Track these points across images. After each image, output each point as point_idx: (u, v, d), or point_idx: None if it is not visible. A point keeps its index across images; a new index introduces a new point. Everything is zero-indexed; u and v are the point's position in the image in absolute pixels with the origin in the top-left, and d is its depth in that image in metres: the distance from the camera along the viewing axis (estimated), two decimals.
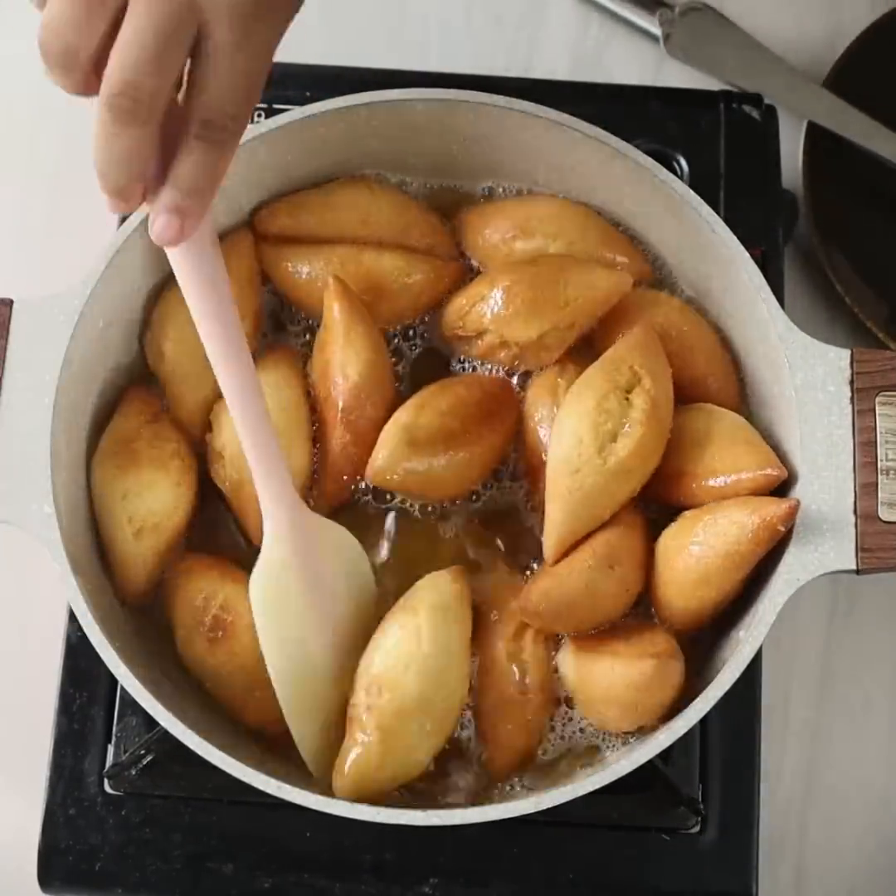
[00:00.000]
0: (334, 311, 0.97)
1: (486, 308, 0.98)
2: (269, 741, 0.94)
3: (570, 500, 0.92)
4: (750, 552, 0.89)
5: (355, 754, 0.89)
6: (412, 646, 0.90)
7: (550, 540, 0.93)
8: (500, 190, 1.05)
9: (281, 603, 0.91)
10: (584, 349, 1.00)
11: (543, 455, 0.96)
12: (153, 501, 0.94)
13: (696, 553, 0.91)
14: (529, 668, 0.93)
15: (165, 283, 1.00)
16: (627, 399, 0.92)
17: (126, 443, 0.96)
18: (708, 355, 0.99)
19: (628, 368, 0.93)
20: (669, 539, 0.94)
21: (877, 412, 0.91)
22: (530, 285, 0.97)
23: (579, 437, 0.91)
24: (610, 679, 0.92)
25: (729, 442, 0.94)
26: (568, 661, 0.95)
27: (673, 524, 0.94)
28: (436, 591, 0.92)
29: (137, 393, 0.99)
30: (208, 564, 0.96)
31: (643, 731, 0.93)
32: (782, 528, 0.89)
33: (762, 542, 0.89)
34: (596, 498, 0.92)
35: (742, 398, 1.00)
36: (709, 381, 0.98)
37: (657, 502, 0.97)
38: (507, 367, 1.00)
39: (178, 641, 0.95)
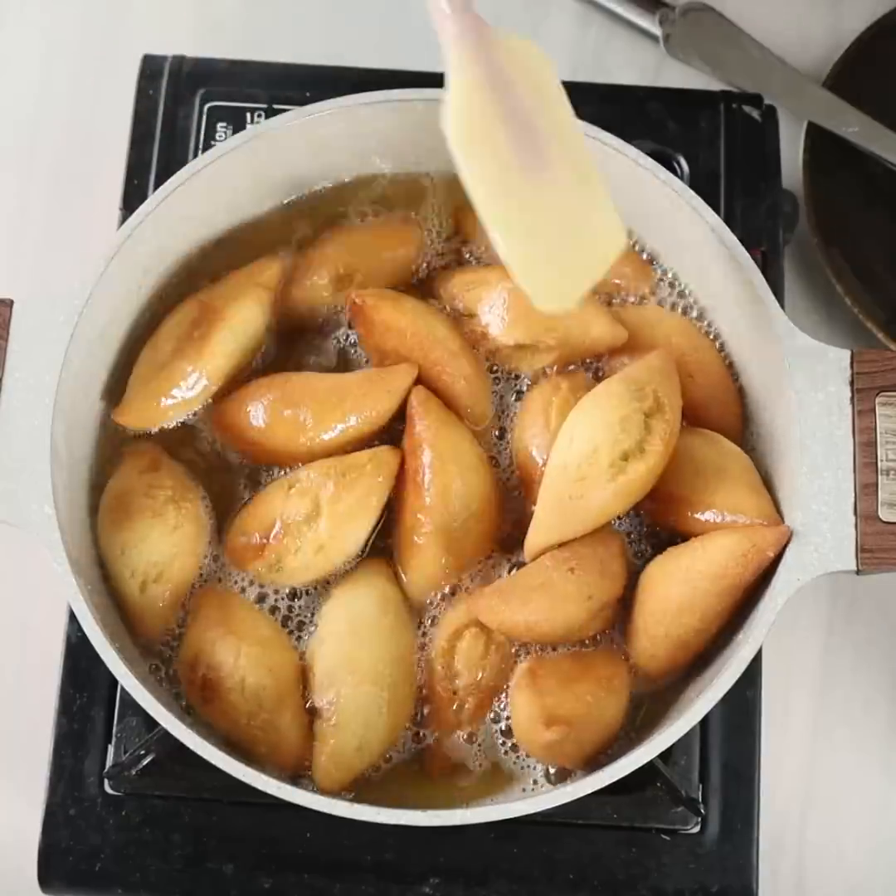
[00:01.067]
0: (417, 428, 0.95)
1: (484, 296, 0.98)
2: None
3: (567, 505, 0.91)
4: (737, 576, 0.89)
5: (319, 743, 0.91)
6: (330, 625, 0.93)
7: (535, 539, 0.93)
8: None
9: (480, 131, 0.84)
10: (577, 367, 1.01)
11: (535, 470, 0.95)
12: (150, 552, 0.94)
13: (680, 578, 0.91)
14: (461, 667, 0.93)
15: (166, 288, 1.00)
16: (646, 423, 0.91)
17: (121, 497, 0.95)
18: (709, 379, 0.98)
19: (653, 392, 0.92)
20: (655, 567, 0.93)
21: (877, 412, 0.91)
22: None
23: (595, 446, 0.91)
24: (523, 720, 0.92)
25: (735, 482, 0.93)
26: (513, 684, 0.94)
27: (659, 556, 0.94)
28: (347, 577, 0.95)
29: (134, 447, 0.98)
30: (215, 605, 0.94)
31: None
32: (771, 555, 0.89)
33: (750, 566, 0.89)
34: (590, 510, 0.92)
35: (742, 407, 1.00)
36: (711, 406, 0.98)
37: (647, 522, 0.97)
38: (483, 355, 1.01)
39: (183, 691, 0.94)
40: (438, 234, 1.04)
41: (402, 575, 0.96)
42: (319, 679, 0.92)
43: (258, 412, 0.96)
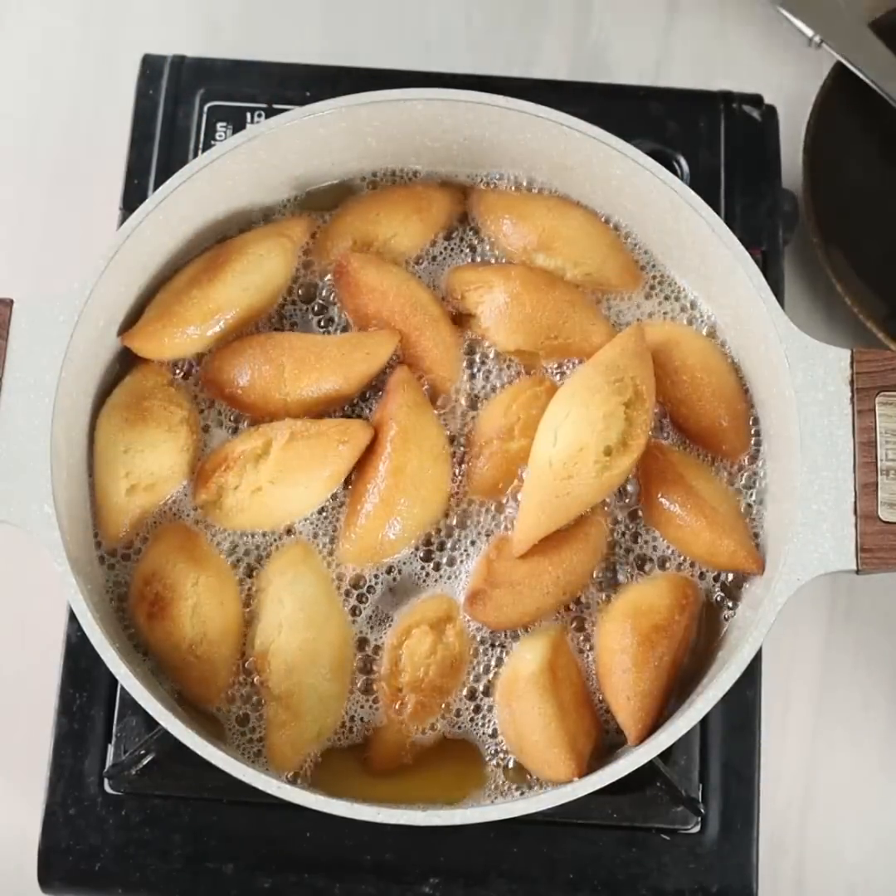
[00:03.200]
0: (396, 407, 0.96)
1: (487, 298, 0.99)
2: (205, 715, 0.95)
3: (555, 503, 0.92)
4: (674, 624, 0.92)
5: (277, 728, 0.92)
6: (277, 611, 0.93)
7: (525, 536, 0.93)
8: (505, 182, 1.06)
9: None
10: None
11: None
12: (153, 462, 0.95)
13: (617, 644, 0.92)
14: (406, 663, 0.93)
15: (164, 282, 1.00)
16: (627, 415, 0.92)
17: (139, 398, 0.97)
18: (726, 407, 0.98)
19: (631, 381, 0.93)
20: (601, 639, 0.94)
21: (877, 412, 0.91)
22: (535, 305, 0.98)
23: (582, 445, 0.92)
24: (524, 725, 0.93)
25: (722, 531, 0.94)
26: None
27: (603, 616, 0.95)
28: (276, 564, 0.95)
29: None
30: (177, 533, 0.96)
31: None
32: (694, 608, 0.94)
33: (685, 613, 0.93)
34: (577, 505, 0.93)
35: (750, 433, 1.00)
36: (723, 435, 0.98)
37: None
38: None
39: (130, 606, 0.95)
40: (439, 233, 1.04)
41: (339, 543, 0.96)
42: (278, 666, 0.92)
43: (239, 366, 0.97)
